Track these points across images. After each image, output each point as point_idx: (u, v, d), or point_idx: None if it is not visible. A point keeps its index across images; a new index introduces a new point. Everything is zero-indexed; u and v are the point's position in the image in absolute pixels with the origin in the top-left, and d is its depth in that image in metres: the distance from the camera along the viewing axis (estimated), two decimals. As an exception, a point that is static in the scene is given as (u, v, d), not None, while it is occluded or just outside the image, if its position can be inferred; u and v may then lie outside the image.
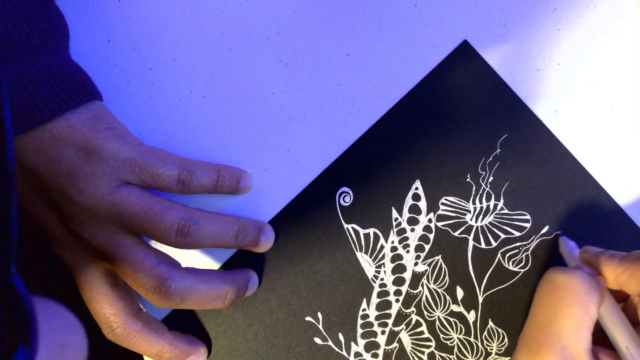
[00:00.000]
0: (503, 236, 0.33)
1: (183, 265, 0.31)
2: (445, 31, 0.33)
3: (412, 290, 0.33)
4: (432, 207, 0.33)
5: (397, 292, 0.33)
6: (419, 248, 0.33)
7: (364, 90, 0.33)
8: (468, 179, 0.33)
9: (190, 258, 0.34)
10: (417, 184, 0.33)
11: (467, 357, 0.33)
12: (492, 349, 0.33)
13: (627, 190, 0.33)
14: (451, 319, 0.33)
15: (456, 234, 0.33)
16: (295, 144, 0.34)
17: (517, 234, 0.33)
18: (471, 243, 0.33)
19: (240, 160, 0.34)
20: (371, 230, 0.33)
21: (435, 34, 0.33)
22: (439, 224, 0.33)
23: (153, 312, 0.33)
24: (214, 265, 0.34)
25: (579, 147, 0.33)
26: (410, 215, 0.33)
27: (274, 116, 0.34)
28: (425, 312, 0.33)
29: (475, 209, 0.33)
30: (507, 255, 0.33)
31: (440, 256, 0.33)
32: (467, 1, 0.33)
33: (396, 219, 0.33)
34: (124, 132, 0.30)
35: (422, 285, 0.33)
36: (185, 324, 0.34)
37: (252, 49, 0.33)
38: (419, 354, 0.33)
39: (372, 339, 0.33)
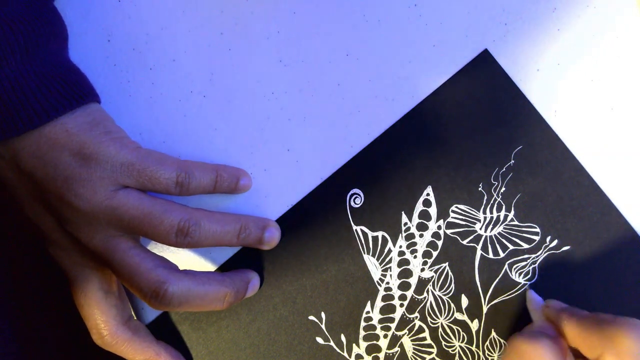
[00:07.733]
0: (511, 247, 0.33)
1: (181, 268, 0.31)
2: (445, 31, 0.33)
3: (417, 296, 0.33)
4: (442, 214, 0.33)
5: (402, 297, 0.33)
6: (426, 254, 0.33)
7: (364, 90, 0.33)
8: (480, 188, 0.33)
9: (189, 260, 0.34)
10: (429, 190, 0.33)
11: (467, 366, 0.33)
12: (493, 359, 0.33)
13: (638, 207, 0.33)
14: (454, 327, 0.33)
15: (465, 242, 0.33)
16: (295, 144, 0.33)
17: (525, 246, 0.33)
18: (479, 252, 0.33)
19: (240, 160, 0.34)
20: (380, 234, 0.33)
21: (435, 34, 0.33)
22: (448, 232, 0.33)
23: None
24: (212, 266, 0.34)
25: (578, 146, 0.33)
26: (420, 221, 0.33)
27: (274, 116, 0.33)
28: (428, 319, 0.33)
29: (485, 218, 0.33)
30: (514, 266, 0.33)
31: (447, 263, 0.33)
32: (467, 1, 0.33)
33: (405, 224, 0.33)
34: (120, 136, 0.30)
35: (428, 292, 0.33)
36: (187, 313, 0.34)
37: (252, 49, 0.33)
38: (420, 359, 0.33)
39: (374, 342, 0.33)
